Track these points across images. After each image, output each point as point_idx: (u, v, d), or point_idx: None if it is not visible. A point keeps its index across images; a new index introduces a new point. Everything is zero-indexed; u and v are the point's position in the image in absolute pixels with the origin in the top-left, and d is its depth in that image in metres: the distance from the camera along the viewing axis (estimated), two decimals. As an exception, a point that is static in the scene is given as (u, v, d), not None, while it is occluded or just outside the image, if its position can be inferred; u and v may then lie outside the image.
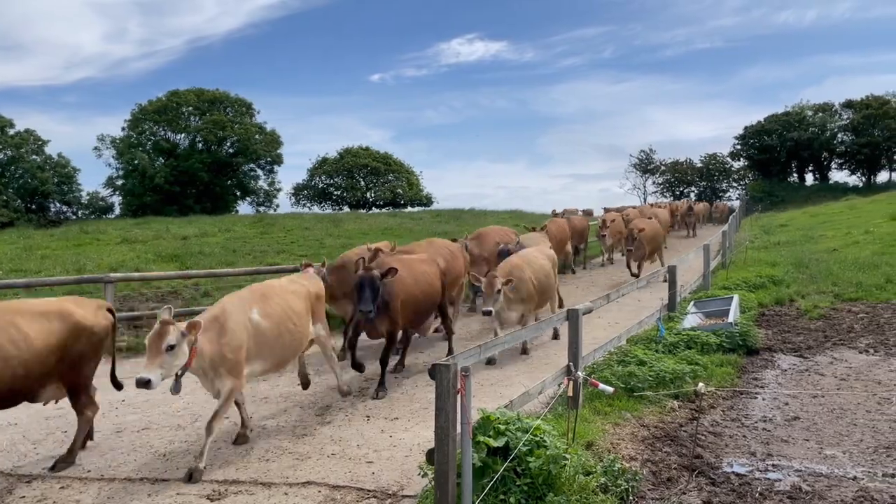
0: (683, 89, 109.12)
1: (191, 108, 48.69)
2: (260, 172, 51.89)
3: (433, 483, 4.44)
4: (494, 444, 4.63)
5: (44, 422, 6.93)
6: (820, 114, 55.16)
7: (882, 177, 54.49)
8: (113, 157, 47.51)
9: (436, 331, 10.65)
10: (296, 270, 10.12)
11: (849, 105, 54.35)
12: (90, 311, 5.84)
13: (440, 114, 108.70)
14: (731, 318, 10.23)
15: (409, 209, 50.77)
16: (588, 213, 29.24)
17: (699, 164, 61.19)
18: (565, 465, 4.69)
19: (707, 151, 68.71)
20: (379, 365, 8.04)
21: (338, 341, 9.86)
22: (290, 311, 6.56)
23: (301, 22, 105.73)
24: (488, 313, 8.89)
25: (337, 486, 5.28)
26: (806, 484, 5.33)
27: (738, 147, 58.44)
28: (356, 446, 6.17)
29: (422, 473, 4.92)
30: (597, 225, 20.38)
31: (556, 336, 10.35)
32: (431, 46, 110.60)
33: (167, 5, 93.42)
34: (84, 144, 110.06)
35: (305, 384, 7.49)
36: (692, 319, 10.65)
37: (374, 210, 51.41)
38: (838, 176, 56.17)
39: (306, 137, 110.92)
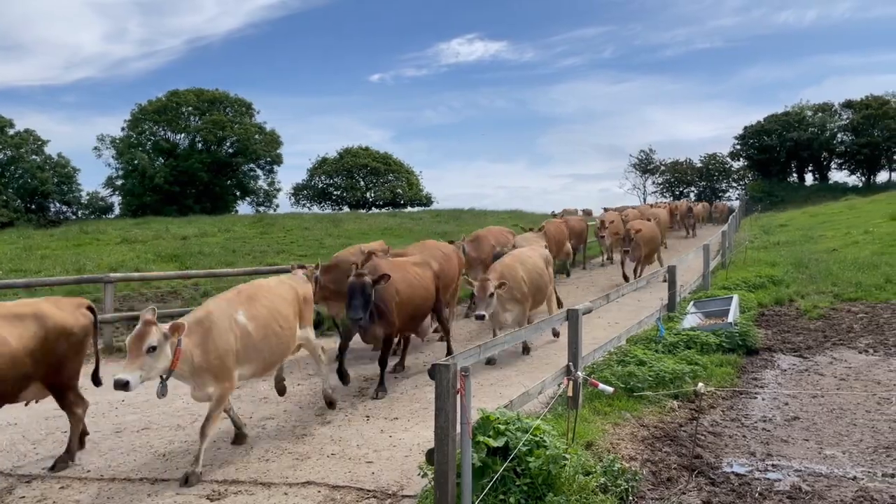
0: (683, 89, 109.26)
1: (190, 108, 48.68)
2: (260, 172, 51.94)
3: (433, 483, 4.44)
4: (494, 444, 4.63)
5: (43, 422, 6.93)
6: (820, 114, 55.17)
7: (881, 177, 54.61)
8: (113, 157, 47.55)
9: (435, 331, 10.64)
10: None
11: (848, 105, 54.36)
12: (68, 312, 5.74)
13: (440, 114, 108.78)
14: (730, 318, 10.23)
15: (409, 209, 50.78)
16: (588, 213, 29.25)
17: (699, 165, 61.20)
18: (565, 465, 4.69)
19: (707, 151, 68.79)
20: (378, 366, 8.05)
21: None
22: (277, 314, 6.35)
23: (301, 22, 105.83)
24: (481, 318, 8.66)
25: (337, 486, 5.28)
26: (806, 484, 5.33)
27: (738, 147, 58.46)
28: (356, 446, 6.17)
29: (421, 473, 4.93)
30: (595, 225, 20.39)
31: (555, 335, 10.30)
32: (431, 46, 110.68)
33: (167, 5, 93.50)
34: (84, 144, 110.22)
35: (281, 391, 7.25)
36: (692, 319, 10.65)
37: (374, 210, 51.40)
38: (838, 176, 56.29)
39: (306, 137, 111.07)
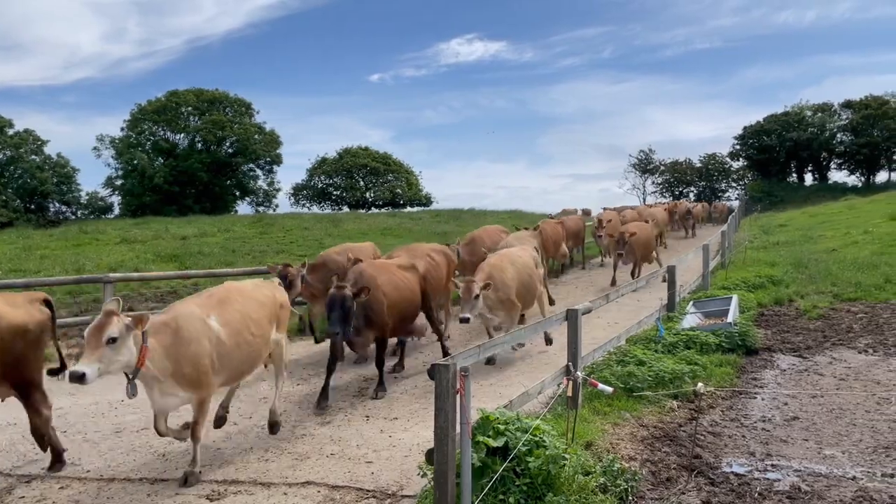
0: (683, 89, 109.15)
1: (190, 108, 48.70)
2: (259, 172, 51.99)
3: (432, 483, 4.44)
4: (494, 444, 4.63)
5: (43, 422, 6.92)
6: (819, 114, 55.14)
7: (881, 177, 54.52)
8: (112, 157, 47.60)
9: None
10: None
11: (848, 105, 54.33)
12: (22, 309, 5.50)
13: (440, 114, 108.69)
14: (730, 318, 10.23)
15: (409, 209, 50.83)
16: (587, 213, 29.23)
17: (698, 165, 61.16)
18: (564, 465, 4.69)
19: (706, 151, 68.64)
20: (377, 367, 8.05)
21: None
22: (250, 320, 5.90)
23: (301, 22, 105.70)
24: (465, 320, 8.21)
25: (336, 486, 5.28)
26: (805, 484, 5.33)
27: (738, 147, 58.42)
28: (355, 446, 6.17)
29: (421, 473, 4.93)
30: (592, 225, 20.38)
31: (548, 342, 9.82)
32: (431, 46, 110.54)
33: (166, 5, 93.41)
34: (83, 144, 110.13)
35: (220, 420, 6.45)
36: (691, 319, 10.66)
37: (374, 210, 51.44)
38: (837, 176, 56.22)
39: (306, 137, 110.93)
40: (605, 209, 29.31)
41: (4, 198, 38.82)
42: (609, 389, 6.43)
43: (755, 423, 6.91)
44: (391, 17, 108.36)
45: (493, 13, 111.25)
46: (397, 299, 8.20)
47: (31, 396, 5.56)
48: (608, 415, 6.74)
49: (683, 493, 5.18)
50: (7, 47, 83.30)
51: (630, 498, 5.00)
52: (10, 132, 42.23)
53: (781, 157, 55.21)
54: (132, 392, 5.07)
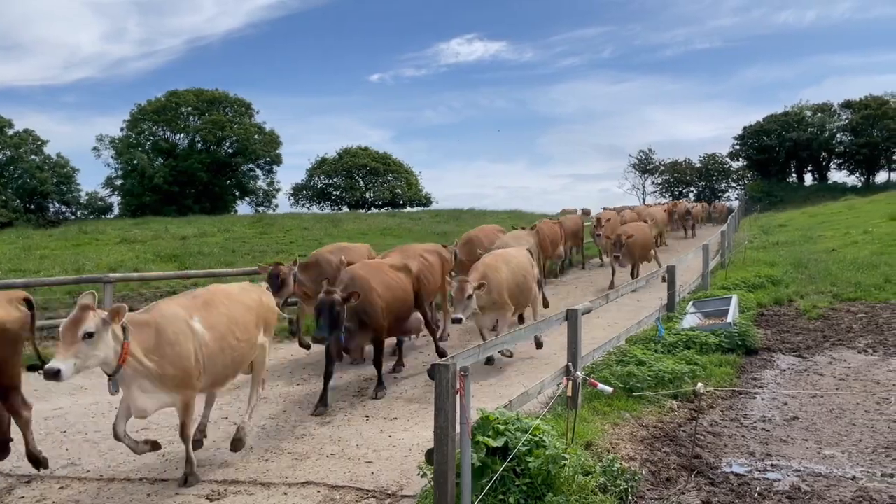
0: (683, 89, 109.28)
1: (190, 109, 48.71)
2: (259, 172, 52.03)
3: (432, 483, 4.44)
4: (493, 444, 4.63)
5: (43, 422, 6.91)
6: (819, 114, 55.16)
7: (881, 177, 54.55)
8: (112, 157, 47.64)
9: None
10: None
11: (848, 105, 54.35)
12: (1, 309, 5.34)
13: (439, 114, 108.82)
14: (730, 318, 10.23)
15: (409, 209, 50.81)
16: (586, 213, 29.21)
17: (698, 165, 61.18)
18: (564, 465, 4.69)
19: (706, 151, 68.64)
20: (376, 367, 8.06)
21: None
22: (234, 324, 5.73)
23: (300, 22, 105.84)
24: (458, 321, 8.10)
25: (336, 486, 5.28)
26: (805, 484, 5.33)
27: (737, 147, 58.44)
28: (355, 446, 6.17)
29: (421, 473, 4.93)
30: (591, 224, 20.36)
31: (538, 346, 9.61)
32: (431, 46, 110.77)
33: (166, 5, 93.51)
34: (83, 144, 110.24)
35: (197, 443, 6.05)
36: (691, 319, 10.66)
37: (374, 210, 51.42)
38: (837, 176, 56.25)
39: (306, 137, 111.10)
40: (604, 209, 29.33)
41: (4, 198, 38.84)
42: (609, 389, 6.43)
43: (755, 423, 6.91)
44: (391, 17, 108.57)
45: (493, 13, 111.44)
46: (391, 300, 8.19)
47: (10, 398, 5.43)
48: (608, 415, 6.74)
49: (683, 493, 5.18)
50: (7, 47, 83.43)
51: (630, 498, 5.00)
52: (10, 132, 42.28)
53: (781, 157, 55.24)
54: (113, 389, 4.95)
